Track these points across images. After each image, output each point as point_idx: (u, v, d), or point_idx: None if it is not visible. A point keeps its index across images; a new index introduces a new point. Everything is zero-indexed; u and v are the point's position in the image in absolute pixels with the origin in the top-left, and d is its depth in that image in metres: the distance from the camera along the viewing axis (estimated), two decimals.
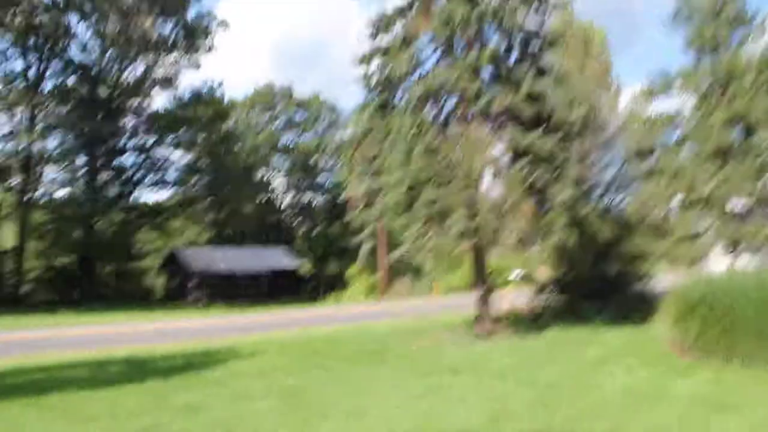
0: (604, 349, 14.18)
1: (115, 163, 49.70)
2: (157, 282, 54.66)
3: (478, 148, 17.03)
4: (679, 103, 22.09)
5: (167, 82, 49.29)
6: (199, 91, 51.77)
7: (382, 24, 18.57)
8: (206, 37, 48.58)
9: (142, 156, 51.32)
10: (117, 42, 45.40)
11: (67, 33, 43.76)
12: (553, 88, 18.06)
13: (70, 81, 46.09)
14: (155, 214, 53.62)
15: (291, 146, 65.55)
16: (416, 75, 18.43)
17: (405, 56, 17.78)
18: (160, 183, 53.29)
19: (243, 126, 62.59)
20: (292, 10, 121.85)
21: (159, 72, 49.06)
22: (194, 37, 48.12)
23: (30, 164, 42.87)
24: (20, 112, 42.77)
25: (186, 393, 10.07)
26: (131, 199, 52.10)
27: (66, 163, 46.86)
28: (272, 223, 64.13)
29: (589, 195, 24.25)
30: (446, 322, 21.38)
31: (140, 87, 48.69)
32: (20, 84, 42.79)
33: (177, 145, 51.92)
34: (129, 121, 49.93)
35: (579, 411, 8.36)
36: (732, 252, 20.25)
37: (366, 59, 18.61)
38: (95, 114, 45.56)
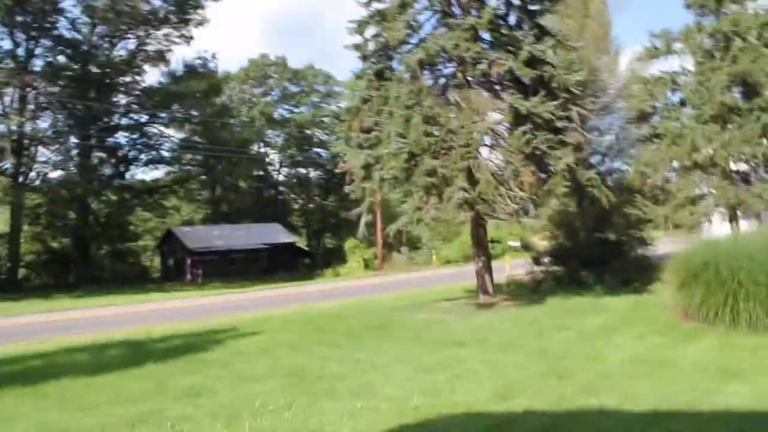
0: (608, 317, 14.04)
1: (108, 141, 48.99)
2: (154, 262, 54.50)
3: (478, 114, 16.69)
4: (681, 63, 21.75)
5: (159, 57, 48.40)
6: (192, 64, 51.05)
7: None
8: (197, 9, 47.65)
9: (136, 134, 50.67)
10: (106, 17, 44.49)
11: (56, 9, 42.83)
12: (553, 51, 17.65)
13: (61, 59, 45.23)
14: (150, 193, 53.17)
15: (286, 119, 64.89)
16: (413, 41, 18.03)
17: (401, 22, 17.36)
18: (155, 161, 52.72)
19: (237, 99, 61.93)
20: None
21: (151, 47, 48.22)
22: (185, 10, 47.19)
23: (22, 146, 42.26)
24: (10, 93, 42.01)
25: (187, 376, 9.81)
26: (126, 178, 51.51)
27: (59, 144, 46.22)
28: (268, 199, 63.81)
29: (589, 160, 23.95)
30: (447, 294, 21.26)
31: (132, 63, 47.89)
32: (9, 63, 41.97)
33: (171, 121, 51.26)
34: (122, 99, 49.23)
35: (589, 382, 8.16)
36: (733, 216, 20.03)
37: (361, 27, 18.17)
38: (87, 92, 44.84)
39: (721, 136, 19.23)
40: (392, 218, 26.01)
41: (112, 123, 48.69)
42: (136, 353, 12.54)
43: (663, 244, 23.00)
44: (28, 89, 42.42)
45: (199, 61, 51.51)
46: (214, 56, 52.76)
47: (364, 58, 18.75)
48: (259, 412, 7.42)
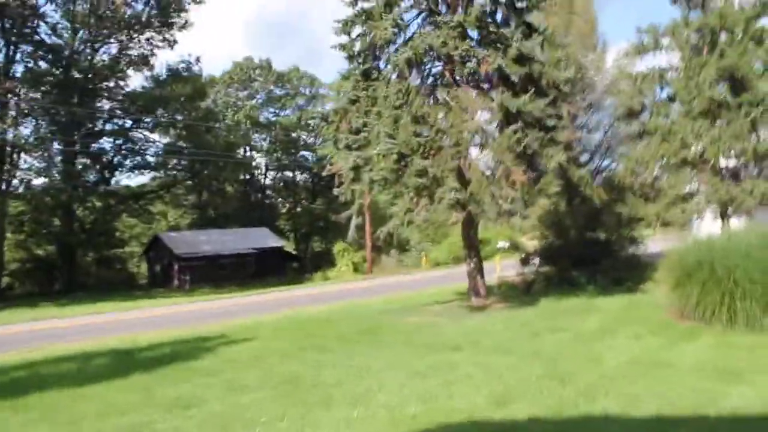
0: (602, 318, 13.89)
1: (92, 147, 48.38)
2: (141, 268, 54.00)
3: (467, 113, 16.50)
4: (668, 59, 21.68)
5: (143, 61, 47.80)
6: (175, 68, 50.53)
7: None
8: (180, 13, 47.19)
9: (121, 139, 50.05)
10: (88, 22, 44.00)
11: (36, 14, 42.27)
12: (542, 48, 17.51)
13: (42, 65, 44.65)
14: (136, 198, 52.48)
15: (272, 122, 64.50)
16: (400, 40, 17.81)
17: (388, 21, 17.13)
18: (140, 166, 52.04)
19: (222, 103, 61.46)
20: None
21: (134, 51, 47.59)
22: (168, 13, 46.72)
23: (4, 153, 41.65)
24: None
25: (176, 386, 9.51)
26: (111, 184, 50.87)
27: (42, 150, 45.58)
28: (255, 203, 63.44)
29: (578, 159, 23.87)
30: (438, 296, 21.07)
31: (115, 68, 47.26)
32: None
33: (156, 126, 50.74)
34: (105, 104, 48.65)
35: (589, 385, 7.95)
36: (724, 213, 19.95)
37: (347, 26, 17.93)
38: (70, 98, 44.21)
39: (710, 132, 19.14)
40: (381, 221, 25.80)
41: (96, 128, 47.98)
42: (124, 362, 12.24)
43: (653, 242, 22.94)
44: (9, 95, 41.80)
45: (182, 65, 51.01)
46: (198, 60, 52.15)
47: (351, 58, 18.51)
48: (251, 423, 7.16)
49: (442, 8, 17.82)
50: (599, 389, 7.66)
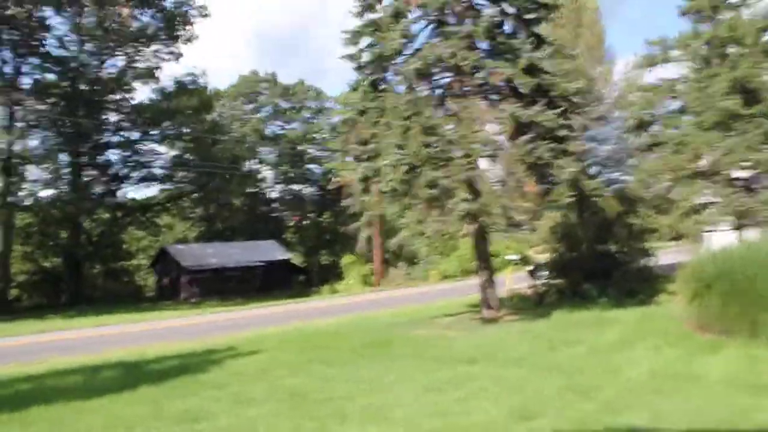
0: (618, 330, 13.59)
1: (99, 160, 48.46)
2: (148, 281, 53.84)
3: (477, 124, 16.32)
4: (678, 71, 21.54)
5: (149, 73, 47.99)
6: (182, 81, 50.60)
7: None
8: (186, 26, 47.33)
9: (128, 152, 50.07)
10: (94, 35, 44.15)
11: (42, 26, 42.41)
12: (551, 59, 17.35)
13: (49, 76, 44.78)
14: (143, 211, 52.51)
15: (278, 135, 64.52)
16: (409, 51, 17.68)
17: (396, 32, 17.00)
18: (147, 179, 52.03)
19: (228, 116, 61.50)
20: None
21: (140, 64, 47.75)
22: (173, 26, 46.88)
23: (11, 165, 41.65)
24: None
25: (183, 399, 9.29)
26: (118, 196, 50.84)
27: (49, 162, 45.64)
28: (262, 216, 63.32)
29: (587, 171, 23.63)
30: (448, 309, 20.82)
31: (121, 80, 47.40)
32: None
33: (162, 139, 50.75)
34: (112, 116, 48.67)
35: (611, 399, 7.71)
36: (739, 225, 19.70)
37: (355, 37, 17.83)
38: (76, 110, 44.32)
39: (723, 144, 18.93)
40: (390, 233, 25.63)
41: (102, 141, 48.13)
42: (131, 375, 11.99)
43: (664, 254, 22.68)
44: (16, 107, 41.88)
45: (188, 78, 51.12)
46: (204, 73, 52.44)
47: (359, 68, 18.41)
48: None
49: (451, 19, 17.69)
50: (623, 403, 7.41)
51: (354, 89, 19.15)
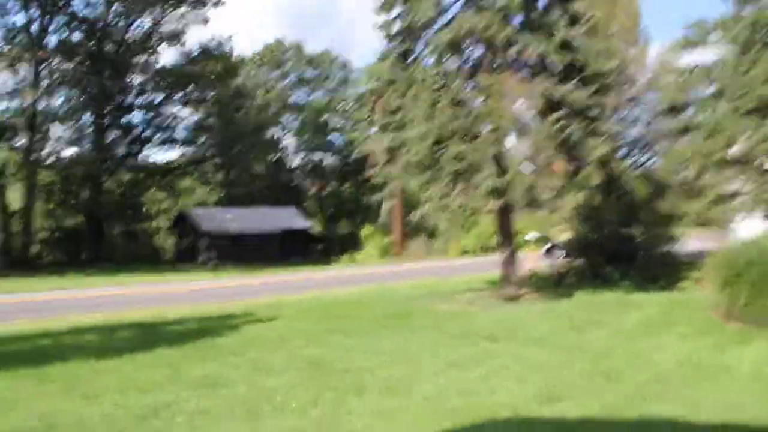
0: (643, 315, 13.30)
1: (122, 121, 48.52)
2: (167, 243, 54.05)
3: (507, 100, 15.97)
4: (716, 55, 20.92)
5: (175, 37, 47.72)
6: (207, 46, 50.30)
7: None
8: None
9: (151, 114, 50.09)
10: None
11: None
12: (585, 37, 16.90)
13: (75, 36, 44.69)
14: (164, 173, 52.60)
15: (302, 104, 64.17)
16: (440, 22, 17.30)
17: (429, 2, 16.61)
18: (169, 142, 52.16)
19: (252, 83, 61.13)
20: None
21: (166, 27, 47.52)
22: None
23: (35, 123, 41.77)
24: (24, 69, 41.54)
25: (202, 364, 9.19)
26: (139, 158, 51.02)
27: (72, 121, 45.78)
28: (283, 183, 63.17)
29: (617, 152, 23.27)
30: (468, 284, 20.64)
31: (147, 42, 47.25)
32: (23, 39, 41.45)
33: (186, 103, 50.63)
34: (136, 78, 48.59)
35: (640, 385, 7.49)
36: None
37: (387, 6, 17.46)
38: (102, 70, 44.29)
39: (760, 131, 18.41)
40: (411, 205, 25.39)
41: (126, 102, 48.17)
42: (148, 336, 11.99)
43: (689, 241, 22.29)
44: (42, 66, 41.89)
45: (214, 43, 50.77)
46: (229, 38, 51.99)
47: (390, 38, 18.07)
48: (281, 408, 6.80)
49: None
50: (652, 391, 7.20)
51: (383, 59, 18.80)
